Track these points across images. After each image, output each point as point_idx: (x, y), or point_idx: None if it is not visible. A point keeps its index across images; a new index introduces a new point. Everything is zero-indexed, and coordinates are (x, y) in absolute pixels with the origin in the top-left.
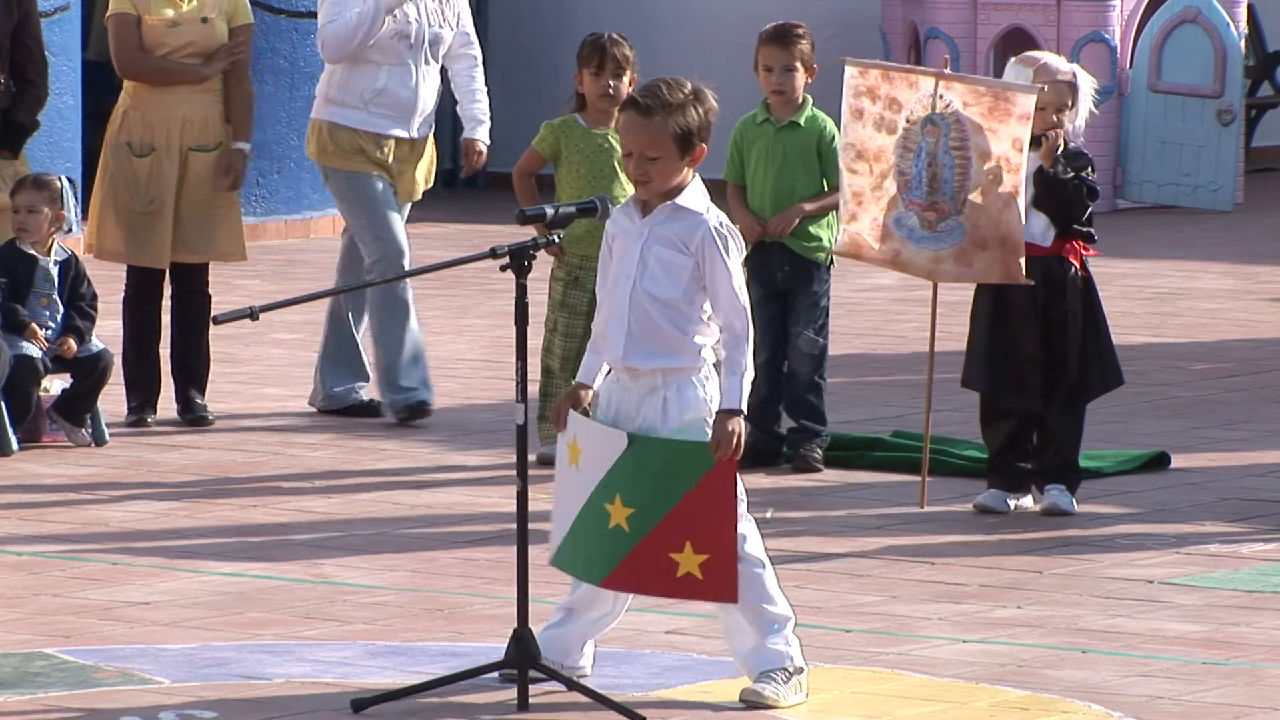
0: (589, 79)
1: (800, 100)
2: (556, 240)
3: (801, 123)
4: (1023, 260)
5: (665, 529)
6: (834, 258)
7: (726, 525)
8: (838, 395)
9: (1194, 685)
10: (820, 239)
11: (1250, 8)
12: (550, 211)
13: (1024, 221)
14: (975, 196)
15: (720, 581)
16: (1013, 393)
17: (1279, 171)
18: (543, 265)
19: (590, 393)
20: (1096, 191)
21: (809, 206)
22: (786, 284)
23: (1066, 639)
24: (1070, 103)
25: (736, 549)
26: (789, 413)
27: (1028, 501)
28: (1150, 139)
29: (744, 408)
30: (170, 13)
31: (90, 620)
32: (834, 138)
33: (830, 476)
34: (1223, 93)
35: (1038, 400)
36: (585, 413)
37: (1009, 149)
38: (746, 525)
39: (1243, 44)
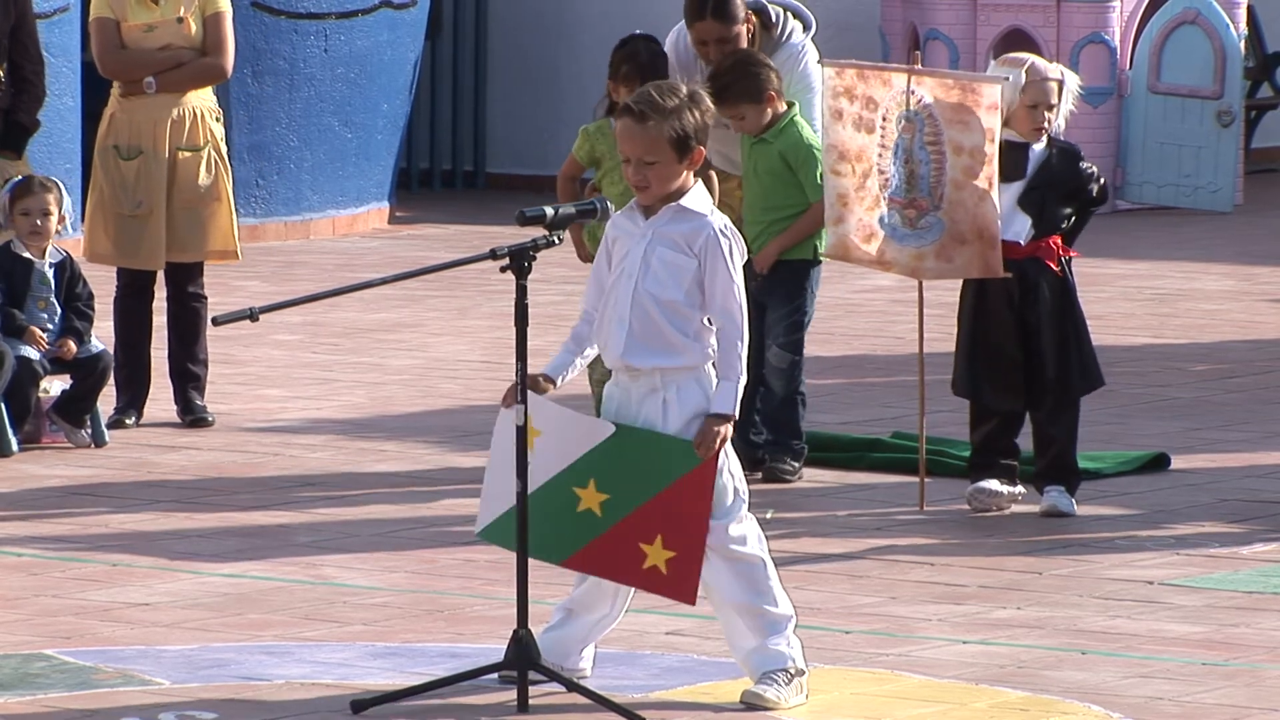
0: (623, 89)
1: (764, 126)
2: (557, 242)
3: (769, 138)
4: (999, 252)
5: (640, 518)
6: (820, 257)
7: (698, 526)
8: (837, 396)
9: (1193, 686)
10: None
11: (1250, 9)
12: (550, 212)
13: (1000, 213)
14: (951, 190)
15: (682, 581)
16: (995, 394)
17: (1278, 172)
18: (542, 267)
19: (551, 388)
20: (1105, 189)
21: (780, 245)
22: (761, 295)
23: (1066, 640)
24: (1057, 102)
25: (704, 551)
26: (764, 425)
27: (1020, 489)
28: (1150, 140)
29: (735, 413)
30: (146, 17)
31: (90, 621)
32: (809, 148)
33: (830, 477)
34: (1222, 94)
35: (1020, 400)
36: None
37: (982, 140)
38: (748, 525)
39: (1242, 45)
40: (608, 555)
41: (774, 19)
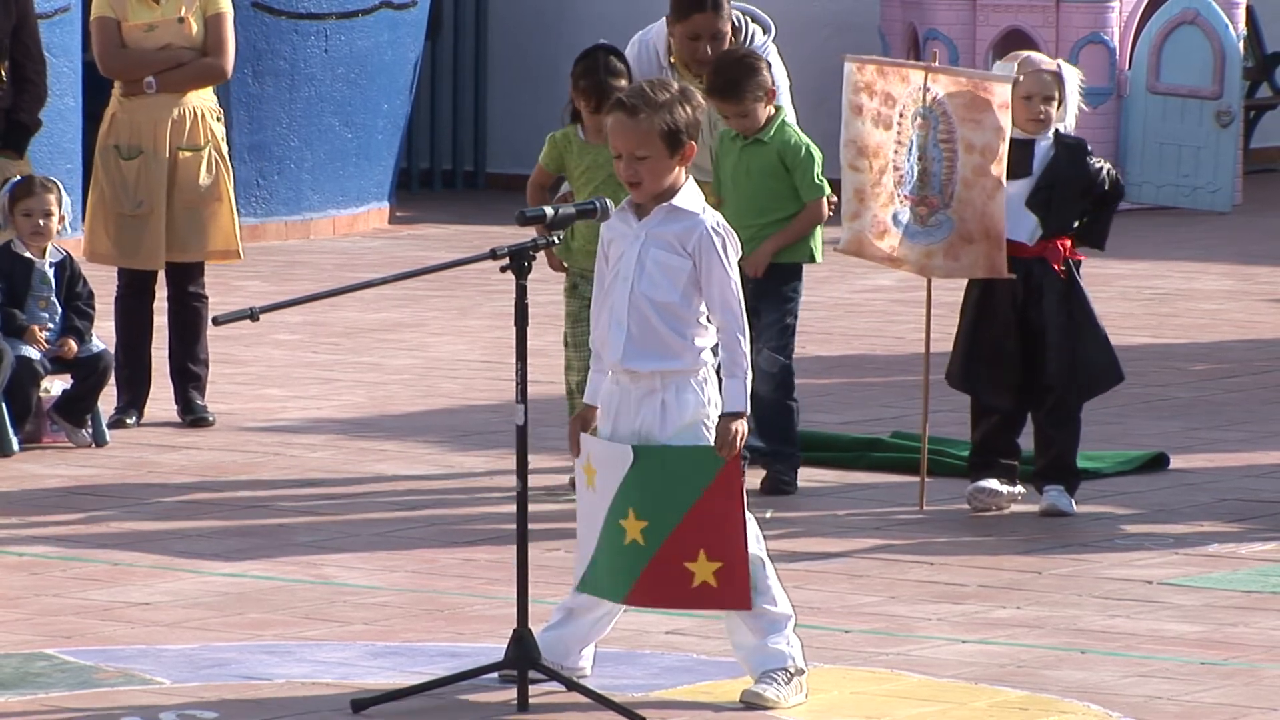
0: (581, 101)
1: (763, 123)
2: (557, 241)
3: (765, 139)
4: (1004, 253)
5: (678, 539)
6: (815, 255)
7: (736, 530)
8: (837, 396)
9: (1192, 685)
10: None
11: (1249, 9)
12: (550, 212)
13: (1004, 210)
14: (961, 189)
15: (735, 589)
16: (990, 390)
17: (1277, 172)
18: (542, 267)
19: (599, 412)
20: (1119, 183)
21: (776, 244)
22: (753, 298)
23: (1065, 639)
24: (1056, 95)
25: (748, 554)
26: (758, 434)
27: (1019, 489)
28: (1149, 140)
29: (747, 408)
30: (147, 17)
31: (91, 621)
32: (804, 149)
33: (830, 477)
34: (1221, 94)
35: (1014, 400)
36: (594, 432)
37: (993, 139)
38: (747, 525)
39: (1241, 45)
40: (658, 583)
41: (737, 23)
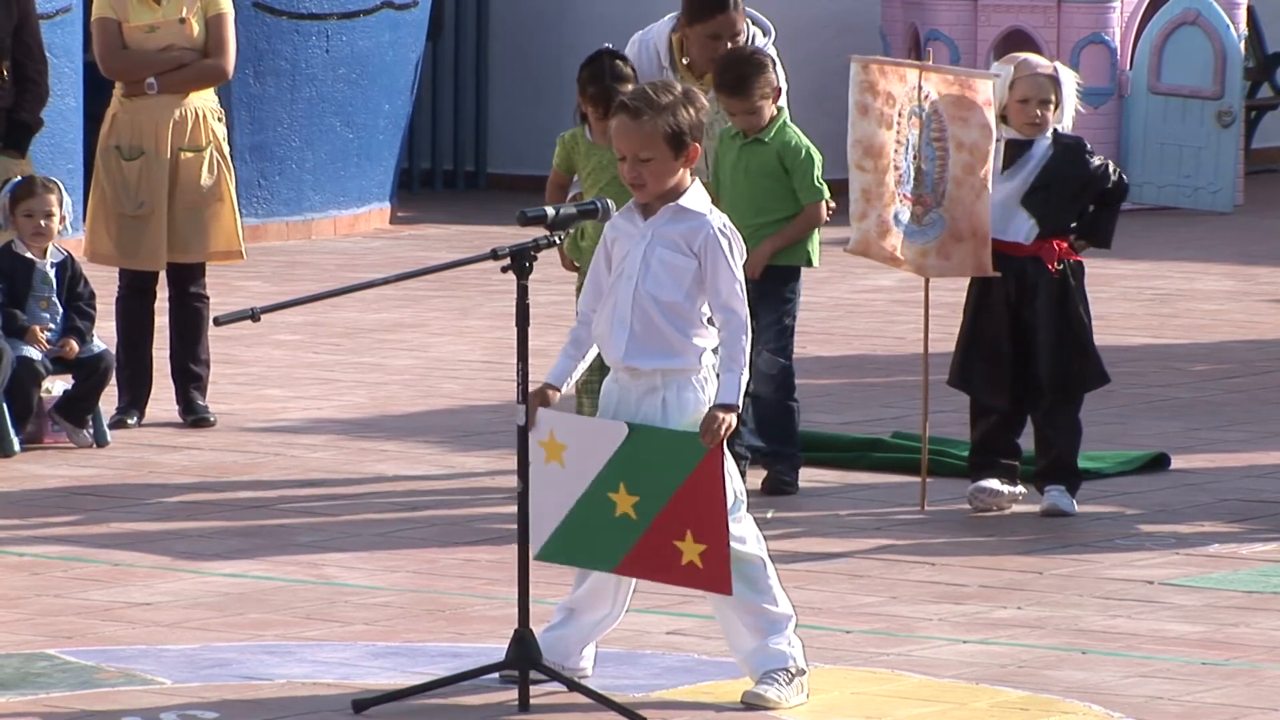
0: (589, 106)
1: (767, 122)
2: (558, 242)
3: (765, 139)
4: (990, 251)
5: (668, 517)
6: (813, 259)
7: (718, 516)
8: (837, 396)
9: (1193, 686)
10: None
11: (1250, 9)
12: (551, 213)
13: (1000, 211)
14: (952, 188)
15: (716, 573)
16: (988, 390)
17: (1278, 173)
18: (543, 267)
19: (558, 395)
20: (1122, 182)
21: (773, 245)
22: (751, 300)
23: (1066, 639)
24: (1053, 98)
25: (729, 540)
26: (759, 435)
27: (1020, 489)
28: (1150, 141)
29: (739, 403)
30: (148, 18)
31: (92, 621)
32: (804, 151)
33: (830, 477)
34: (1223, 94)
35: (1007, 398)
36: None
37: (979, 137)
38: (747, 525)
39: (1242, 46)
40: (650, 556)
41: None
